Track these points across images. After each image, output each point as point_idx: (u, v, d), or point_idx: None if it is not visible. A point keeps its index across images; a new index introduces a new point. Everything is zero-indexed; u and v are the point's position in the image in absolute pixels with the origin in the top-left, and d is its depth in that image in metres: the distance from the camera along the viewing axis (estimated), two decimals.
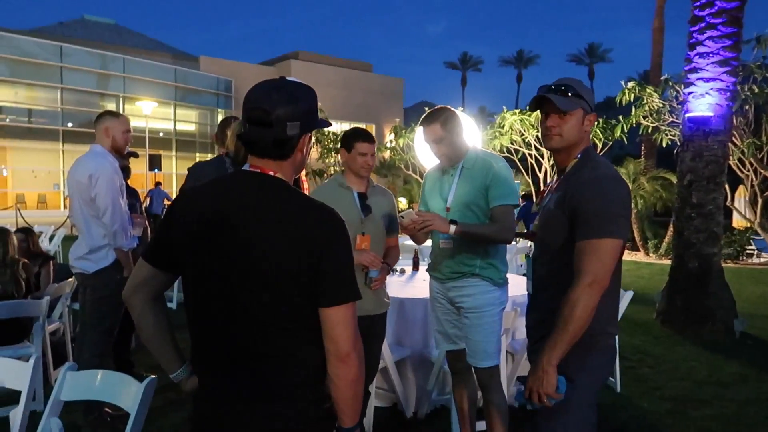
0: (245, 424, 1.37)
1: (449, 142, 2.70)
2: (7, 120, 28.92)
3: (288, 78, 1.43)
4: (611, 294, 1.90)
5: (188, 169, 3.31)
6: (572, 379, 1.84)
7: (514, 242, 6.59)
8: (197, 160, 33.80)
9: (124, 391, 1.99)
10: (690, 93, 6.21)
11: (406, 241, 7.41)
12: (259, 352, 1.36)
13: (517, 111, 12.58)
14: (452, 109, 2.79)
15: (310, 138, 1.47)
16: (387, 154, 19.18)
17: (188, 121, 34.52)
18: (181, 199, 1.48)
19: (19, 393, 2.18)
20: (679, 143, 9.89)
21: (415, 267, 4.80)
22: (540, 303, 2.02)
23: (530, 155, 13.14)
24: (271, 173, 1.40)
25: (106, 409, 3.40)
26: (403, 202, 19.81)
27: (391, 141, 18.35)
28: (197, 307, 1.41)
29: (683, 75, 6.77)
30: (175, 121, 33.33)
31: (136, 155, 3.73)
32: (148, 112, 24.03)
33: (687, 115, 6.25)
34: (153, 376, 1.96)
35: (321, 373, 1.39)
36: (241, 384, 1.37)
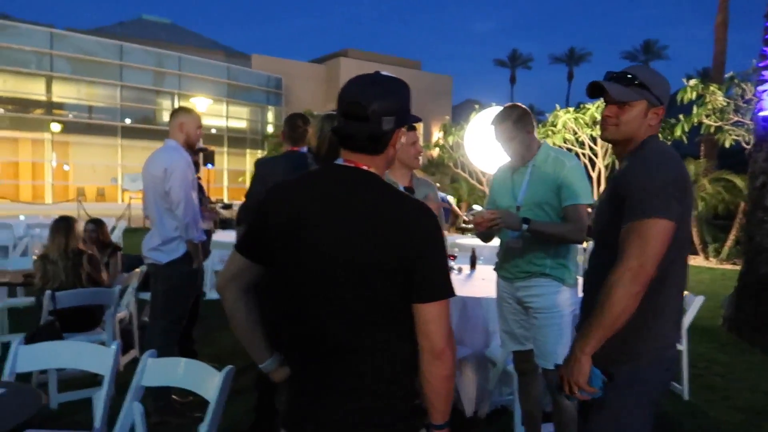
0: (336, 417, 1.37)
1: (521, 140, 2.67)
2: (70, 116, 30.23)
3: (382, 72, 1.43)
4: (669, 293, 1.71)
5: (255, 164, 3.35)
6: (612, 376, 1.66)
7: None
8: (247, 156, 34.50)
9: (205, 380, 2.04)
10: (764, 90, 5.93)
11: (458, 239, 7.37)
12: (350, 346, 1.36)
13: (572, 109, 12.30)
14: (523, 106, 2.75)
15: (402, 133, 1.46)
16: (435, 152, 19.07)
17: (239, 117, 35.24)
18: (274, 192, 1.47)
19: (90, 375, 2.26)
20: (744, 143, 9.49)
21: (473, 266, 4.75)
22: (587, 300, 1.88)
23: (584, 155, 12.84)
24: (365, 168, 1.40)
25: (174, 397, 3.50)
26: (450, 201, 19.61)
27: (439, 139, 18.23)
28: (289, 300, 1.42)
29: (751, 72, 6.49)
30: (227, 118, 34.08)
31: (206, 150, 3.82)
32: (202, 109, 24.64)
33: (760, 114, 5.97)
34: (231, 366, 2.00)
35: (411, 369, 1.38)
36: (332, 377, 1.38)
